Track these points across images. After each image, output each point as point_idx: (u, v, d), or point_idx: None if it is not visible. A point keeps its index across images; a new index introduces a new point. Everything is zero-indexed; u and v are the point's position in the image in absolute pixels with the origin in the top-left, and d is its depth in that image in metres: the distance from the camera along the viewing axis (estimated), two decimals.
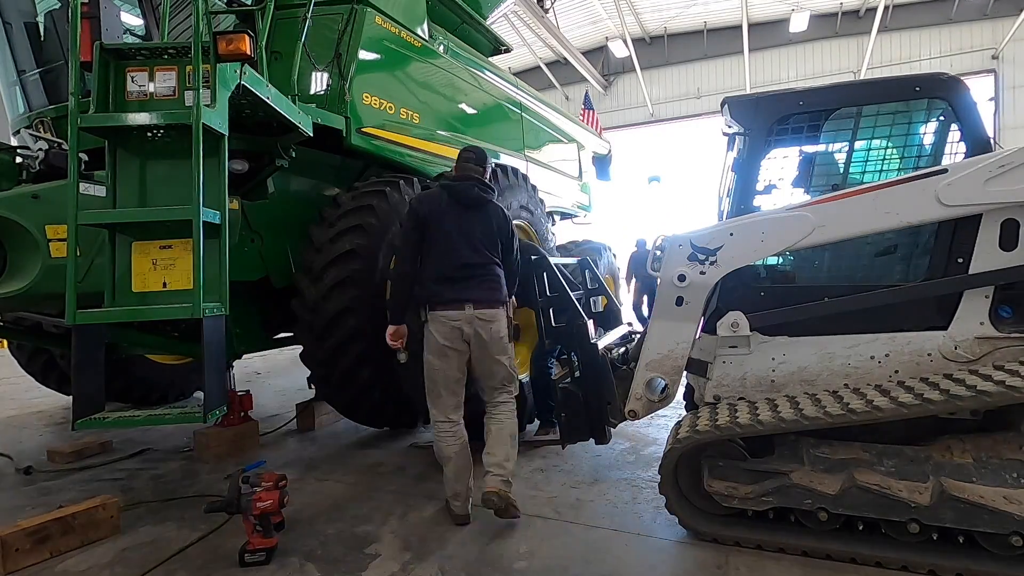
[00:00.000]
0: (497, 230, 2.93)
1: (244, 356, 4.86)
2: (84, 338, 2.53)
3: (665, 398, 2.84)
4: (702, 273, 2.62)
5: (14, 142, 3.84)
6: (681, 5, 16.63)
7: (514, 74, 7.06)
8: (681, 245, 2.66)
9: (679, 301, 2.67)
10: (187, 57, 2.50)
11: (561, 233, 7.41)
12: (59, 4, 3.73)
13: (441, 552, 2.58)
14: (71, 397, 2.73)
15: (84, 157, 2.83)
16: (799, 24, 16.29)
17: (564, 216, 8.18)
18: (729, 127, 3.04)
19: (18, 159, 3.20)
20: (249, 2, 3.47)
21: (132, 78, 2.53)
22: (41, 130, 3.54)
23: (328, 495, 3.30)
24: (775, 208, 2.70)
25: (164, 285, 2.48)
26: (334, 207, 3.94)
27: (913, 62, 15.69)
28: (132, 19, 3.67)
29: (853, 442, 2.46)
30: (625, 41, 17.11)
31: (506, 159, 5.92)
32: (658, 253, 2.75)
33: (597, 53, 19.01)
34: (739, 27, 16.53)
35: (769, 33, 17.15)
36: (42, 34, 3.78)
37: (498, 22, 7.79)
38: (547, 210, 5.22)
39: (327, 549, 2.65)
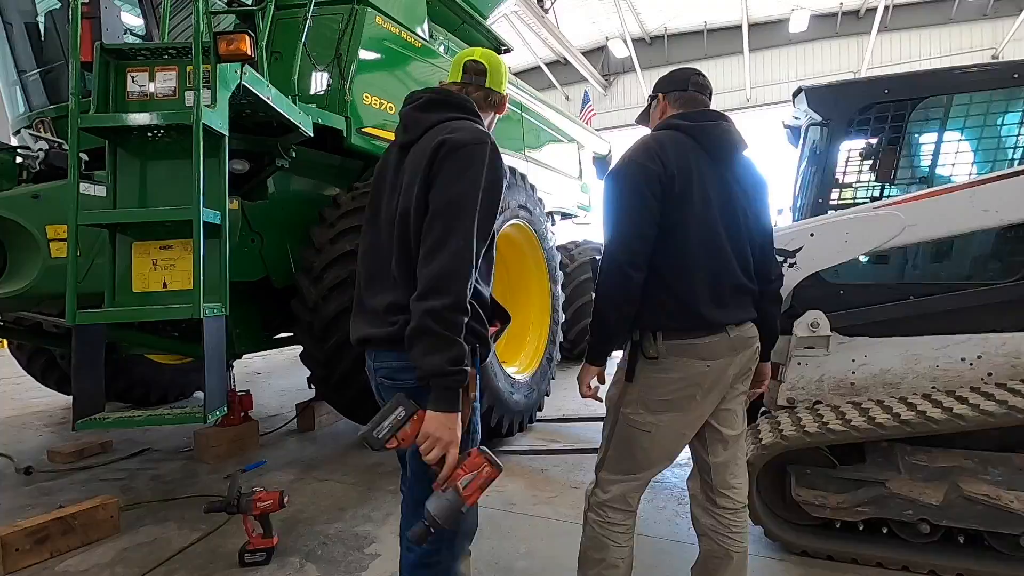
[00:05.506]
0: None
1: (244, 356, 4.85)
2: (84, 338, 2.53)
3: None
4: None
5: (14, 142, 3.84)
6: (681, 5, 16.61)
7: (514, 74, 7.06)
8: None
9: None
10: (187, 57, 2.50)
11: (561, 233, 7.42)
12: (59, 4, 3.73)
13: None
14: (71, 397, 2.72)
15: (84, 157, 2.83)
16: (799, 24, 16.28)
17: (564, 216, 8.19)
18: (796, 118, 2.88)
19: (18, 159, 3.20)
20: (249, 2, 3.48)
21: (132, 78, 2.53)
22: (41, 130, 3.54)
23: (328, 495, 3.30)
24: (861, 207, 2.55)
25: (164, 285, 2.48)
26: (334, 207, 3.94)
27: (913, 62, 15.68)
28: (132, 19, 3.66)
29: (951, 448, 2.32)
30: (625, 41, 17.11)
31: (506, 159, 5.91)
32: None
33: (597, 53, 19.00)
34: (739, 27, 16.52)
35: (769, 33, 17.14)
36: (42, 34, 3.77)
37: (498, 22, 7.79)
38: (547, 210, 5.22)
39: (327, 549, 2.65)
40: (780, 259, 2.42)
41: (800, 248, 2.46)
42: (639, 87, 18.64)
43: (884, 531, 2.37)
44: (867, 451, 2.39)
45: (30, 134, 3.37)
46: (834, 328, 2.50)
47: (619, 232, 1.64)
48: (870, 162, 2.70)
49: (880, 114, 2.61)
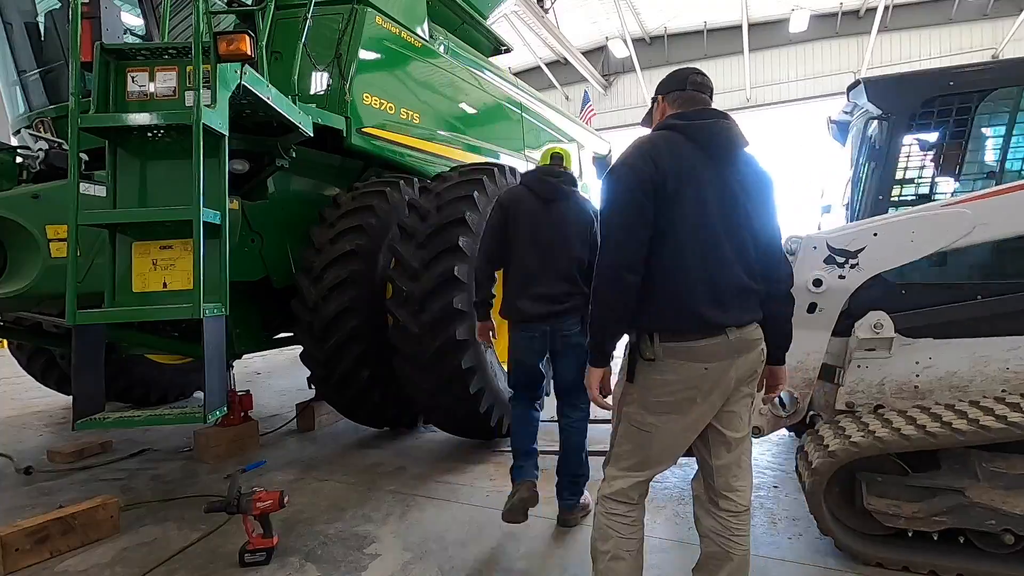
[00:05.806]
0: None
1: (244, 356, 4.86)
2: (84, 338, 2.53)
3: (794, 413, 2.57)
4: (841, 277, 2.37)
5: (14, 142, 3.84)
6: (681, 5, 16.62)
7: (514, 74, 7.06)
8: (816, 247, 2.39)
9: (811, 308, 2.40)
10: (187, 57, 2.50)
11: None
12: (59, 4, 3.73)
13: (441, 552, 2.58)
14: (71, 397, 2.72)
15: (84, 157, 2.83)
16: (799, 24, 16.28)
17: None
18: (846, 112, 2.77)
19: (18, 159, 3.20)
20: (249, 2, 3.48)
21: (132, 78, 2.53)
22: (41, 130, 3.55)
23: (328, 495, 3.30)
24: (926, 204, 2.43)
25: (164, 285, 2.48)
26: (334, 207, 3.94)
27: (913, 62, 15.68)
28: (132, 19, 3.66)
29: None
30: (625, 41, 17.11)
31: (506, 159, 5.92)
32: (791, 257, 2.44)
33: (597, 53, 19.00)
34: (739, 27, 16.52)
35: (769, 33, 17.14)
36: (42, 34, 3.78)
37: (498, 22, 7.79)
38: None
39: (327, 549, 2.65)
40: (842, 260, 2.37)
41: (862, 248, 2.35)
42: (639, 87, 18.64)
43: (961, 540, 2.27)
44: (941, 458, 2.29)
45: (30, 134, 3.38)
46: (896, 329, 2.41)
47: (613, 234, 1.63)
48: (933, 157, 2.61)
49: (944, 107, 2.51)
